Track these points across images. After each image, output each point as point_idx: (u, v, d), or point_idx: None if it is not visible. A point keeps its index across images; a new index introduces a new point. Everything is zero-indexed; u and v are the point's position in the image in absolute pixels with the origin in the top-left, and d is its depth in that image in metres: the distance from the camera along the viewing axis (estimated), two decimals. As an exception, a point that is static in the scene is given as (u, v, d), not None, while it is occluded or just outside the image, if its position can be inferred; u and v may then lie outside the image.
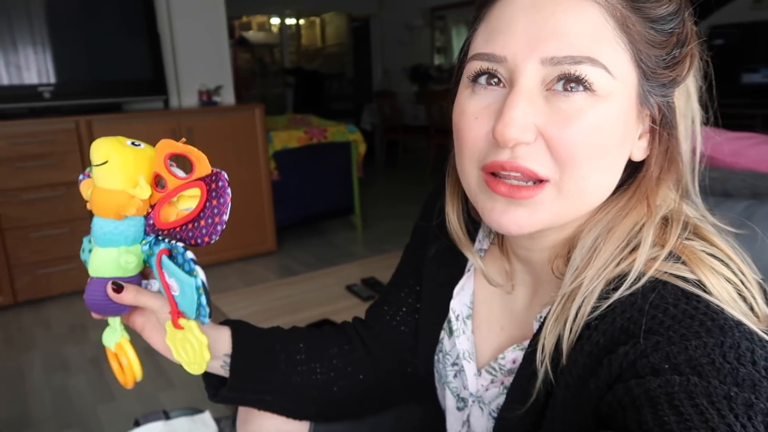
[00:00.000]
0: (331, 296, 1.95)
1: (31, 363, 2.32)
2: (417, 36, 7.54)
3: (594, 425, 0.48)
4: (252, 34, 8.74)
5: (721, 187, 1.05)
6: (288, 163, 3.56)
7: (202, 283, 0.53)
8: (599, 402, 0.46)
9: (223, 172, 0.54)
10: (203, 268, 0.53)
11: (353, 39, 8.74)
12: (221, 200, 0.54)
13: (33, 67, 2.92)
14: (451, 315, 0.71)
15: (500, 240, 0.68)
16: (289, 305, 1.91)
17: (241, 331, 0.72)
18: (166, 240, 0.56)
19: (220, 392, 0.72)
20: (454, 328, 0.70)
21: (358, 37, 8.46)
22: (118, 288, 0.57)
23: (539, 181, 0.50)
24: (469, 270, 0.72)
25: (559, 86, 0.48)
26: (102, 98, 3.09)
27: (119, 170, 0.53)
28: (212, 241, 0.54)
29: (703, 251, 0.50)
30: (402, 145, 6.80)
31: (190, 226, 0.55)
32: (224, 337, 0.70)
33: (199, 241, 0.54)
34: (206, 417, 0.96)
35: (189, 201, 0.56)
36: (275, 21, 8.50)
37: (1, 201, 2.77)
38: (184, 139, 0.56)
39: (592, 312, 0.50)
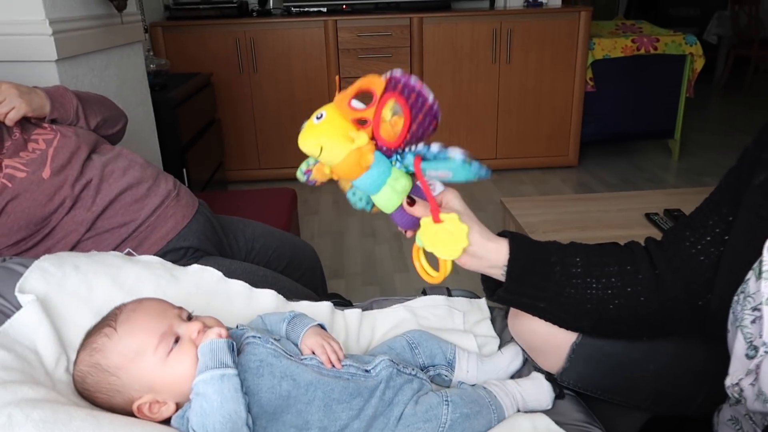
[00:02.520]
0: (627, 221, 1.84)
1: (350, 227, 2.78)
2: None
3: None
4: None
5: None
6: (606, 74, 3.32)
7: (463, 154, 0.62)
8: None
9: (392, 72, 0.61)
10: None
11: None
12: (414, 90, 0.60)
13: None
14: (765, 254, 0.62)
15: None
16: (580, 221, 1.87)
17: (518, 241, 0.77)
18: (410, 149, 0.64)
19: (496, 292, 0.78)
20: (765, 269, 0.62)
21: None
22: (412, 201, 0.71)
23: None
24: None
25: None
26: (435, -3, 3.27)
27: (335, 145, 0.63)
28: (438, 120, 0.62)
29: None
30: (754, 64, 5.64)
31: (414, 127, 0.61)
32: (503, 248, 0.76)
33: (431, 129, 0.62)
34: (482, 303, 1.04)
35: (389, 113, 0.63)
36: None
37: (344, 87, 3.24)
38: (337, 77, 0.66)
39: None
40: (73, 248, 1.13)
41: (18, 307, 0.79)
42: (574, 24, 3.19)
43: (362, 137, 0.63)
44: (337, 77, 0.68)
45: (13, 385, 0.63)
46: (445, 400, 0.77)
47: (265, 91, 3.24)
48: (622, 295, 0.76)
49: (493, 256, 0.76)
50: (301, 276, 1.41)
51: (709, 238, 0.73)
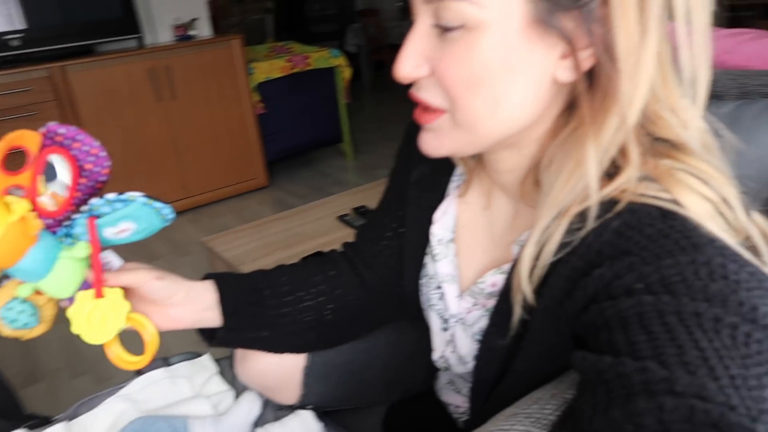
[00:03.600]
0: (324, 228, 1.96)
1: (38, 315, 2.36)
2: (397, -54, 7.16)
3: (571, 346, 0.48)
4: (223, -42, 8.31)
5: (709, 88, 1.03)
6: (272, 95, 3.48)
7: (144, 195, 0.56)
8: (575, 323, 0.47)
9: (47, 125, 0.56)
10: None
11: (331, -45, 8.29)
12: (76, 138, 0.55)
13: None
14: (434, 239, 0.71)
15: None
16: (284, 240, 1.92)
17: (223, 279, 0.76)
18: (80, 213, 0.57)
19: (217, 335, 0.75)
20: (436, 252, 0.71)
21: (335, -47, 8.02)
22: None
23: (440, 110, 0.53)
24: (450, 194, 0.72)
25: (440, 22, 0.49)
26: (74, 42, 2.96)
27: None
28: (109, 166, 0.57)
29: (682, 169, 0.49)
30: (389, 66, 6.61)
31: (83, 180, 0.56)
32: (209, 288, 0.74)
33: (102, 179, 0.57)
34: (206, 359, 0.98)
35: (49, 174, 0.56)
36: (246, -59, 8.04)
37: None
38: None
39: (568, 236, 0.49)
40: None
41: None
42: (229, 52, 3.25)
43: (22, 204, 0.53)
44: None
45: None
46: None
47: None
48: (333, 299, 0.80)
49: (203, 295, 0.73)
50: None
51: (389, 234, 0.80)
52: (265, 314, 0.76)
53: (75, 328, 0.61)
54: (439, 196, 0.72)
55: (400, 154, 0.81)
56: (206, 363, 0.97)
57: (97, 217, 0.56)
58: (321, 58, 3.65)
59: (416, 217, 0.75)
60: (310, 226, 2.00)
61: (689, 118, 0.50)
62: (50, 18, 2.91)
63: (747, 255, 0.44)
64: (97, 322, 0.61)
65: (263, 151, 3.49)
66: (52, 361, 2.02)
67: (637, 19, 0.45)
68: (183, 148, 3.23)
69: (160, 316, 0.70)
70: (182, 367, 0.95)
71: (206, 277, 0.76)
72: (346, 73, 3.76)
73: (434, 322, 0.75)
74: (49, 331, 1.94)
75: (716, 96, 1.00)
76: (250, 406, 0.87)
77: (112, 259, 0.66)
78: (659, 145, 0.50)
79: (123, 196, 0.56)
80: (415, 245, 0.75)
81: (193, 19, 3.34)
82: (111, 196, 0.56)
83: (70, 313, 0.61)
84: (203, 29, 3.43)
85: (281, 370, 0.84)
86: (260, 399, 0.88)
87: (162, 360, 0.97)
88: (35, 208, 0.56)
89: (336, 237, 1.88)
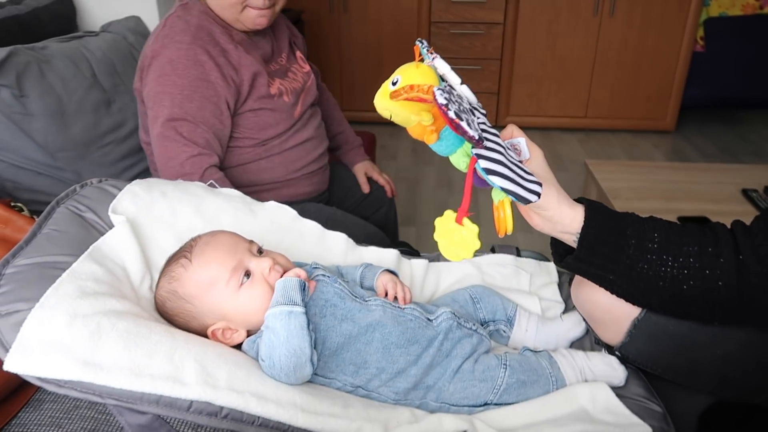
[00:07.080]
0: (720, 195, 1.73)
1: (426, 175, 2.77)
2: None
3: None
4: None
5: None
6: (720, 34, 3.05)
7: (503, 181, 0.65)
8: None
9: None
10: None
11: None
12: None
13: None
14: None
15: None
16: (668, 191, 1.77)
17: (594, 209, 0.74)
18: (474, 149, 0.65)
19: (566, 259, 0.76)
20: None
21: None
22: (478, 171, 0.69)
23: None
24: None
25: None
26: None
27: (401, 117, 0.65)
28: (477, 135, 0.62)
29: None
30: None
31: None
32: (578, 215, 0.74)
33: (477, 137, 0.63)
34: (551, 266, 1.02)
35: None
36: None
37: (433, 31, 3.17)
38: (416, 47, 0.66)
39: None
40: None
41: (110, 225, 0.85)
42: (690, -25, 2.93)
43: (426, 118, 0.64)
44: (415, 47, 0.68)
45: (103, 296, 0.69)
46: (504, 364, 0.78)
47: (354, 33, 3.22)
48: (699, 277, 0.72)
49: (567, 221, 0.74)
50: (375, 212, 1.45)
51: None
52: (620, 261, 0.73)
53: (436, 236, 0.72)
54: None
55: None
56: (550, 269, 1.01)
57: (477, 158, 0.64)
58: (803, 2, 2.98)
59: None
60: (704, 188, 1.78)
61: None
62: None
63: None
64: (454, 242, 0.71)
65: (682, 93, 3.16)
66: (426, 215, 2.39)
67: None
68: (600, 67, 3.15)
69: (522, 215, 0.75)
70: (528, 263, 1.01)
71: (580, 200, 0.76)
72: (829, 27, 3.01)
73: None
74: (431, 194, 2.28)
75: None
76: (573, 326, 0.89)
77: (521, 146, 0.73)
78: None
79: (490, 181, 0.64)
80: None
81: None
82: (483, 166, 0.63)
83: (437, 221, 0.72)
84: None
85: (612, 310, 0.82)
86: (584, 325, 0.89)
87: (515, 248, 1.05)
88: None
89: (730, 210, 1.64)
